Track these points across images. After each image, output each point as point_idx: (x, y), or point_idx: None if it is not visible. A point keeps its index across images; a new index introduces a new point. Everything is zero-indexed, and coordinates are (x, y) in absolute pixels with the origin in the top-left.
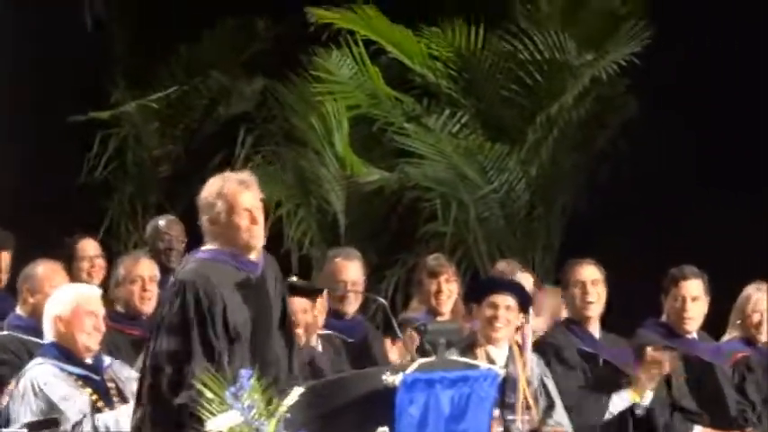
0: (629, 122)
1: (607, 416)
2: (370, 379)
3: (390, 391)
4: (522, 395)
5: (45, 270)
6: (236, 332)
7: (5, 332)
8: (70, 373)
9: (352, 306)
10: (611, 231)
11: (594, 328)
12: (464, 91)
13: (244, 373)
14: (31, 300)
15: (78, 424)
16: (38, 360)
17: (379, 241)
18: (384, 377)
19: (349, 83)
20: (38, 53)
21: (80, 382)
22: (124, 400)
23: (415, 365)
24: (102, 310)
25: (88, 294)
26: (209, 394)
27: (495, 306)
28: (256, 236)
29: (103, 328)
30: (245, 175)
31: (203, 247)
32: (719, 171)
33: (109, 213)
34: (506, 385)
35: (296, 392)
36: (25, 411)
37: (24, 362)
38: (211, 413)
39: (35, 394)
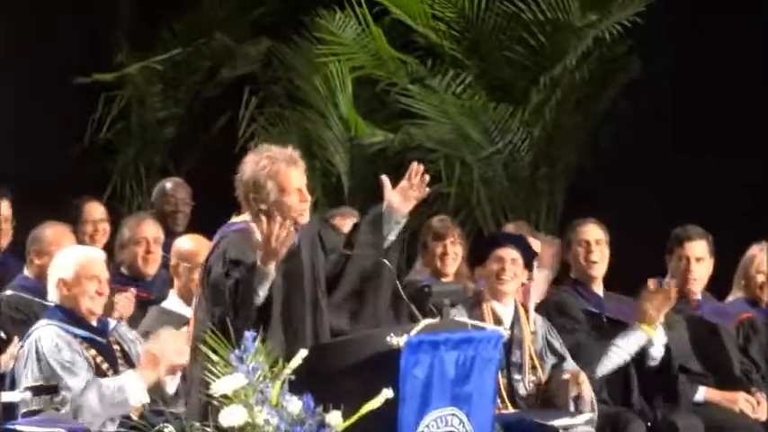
0: (632, 83)
1: (620, 359)
2: (374, 341)
3: (395, 353)
4: (528, 354)
5: (53, 232)
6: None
7: (11, 292)
8: (75, 336)
9: None
10: (614, 191)
11: (598, 288)
12: (468, 52)
13: (248, 335)
14: (37, 261)
15: (81, 393)
16: (43, 322)
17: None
18: (389, 339)
19: (353, 44)
20: (42, 15)
21: (85, 345)
22: (129, 362)
23: (419, 327)
24: (105, 274)
25: (92, 258)
26: (214, 357)
27: (501, 260)
28: (305, 214)
29: (107, 292)
30: (291, 151)
31: (242, 217)
32: (724, 132)
33: (113, 175)
34: (512, 345)
35: (300, 354)
36: (26, 375)
37: (31, 321)
38: (216, 376)
39: (38, 359)
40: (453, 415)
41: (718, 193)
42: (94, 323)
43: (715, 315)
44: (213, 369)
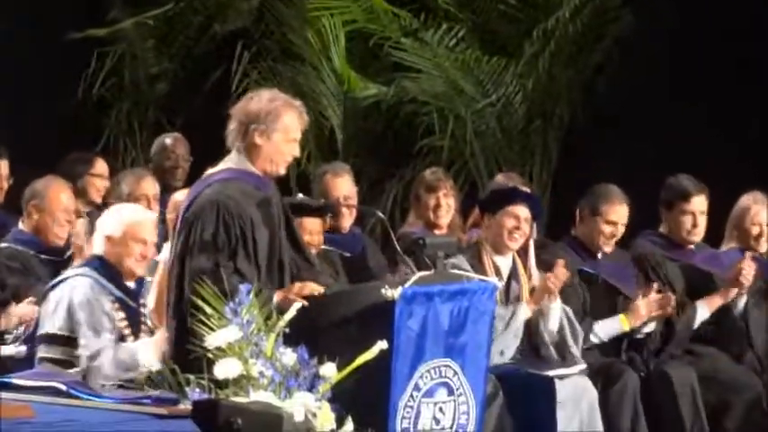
0: (625, 35)
1: (591, 342)
2: (368, 293)
3: (389, 305)
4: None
5: (53, 188)
6: (262, 256)
7: (6, 245)
8: (109, 293)
9: (346, 220)
10: (607, 144)
11: (597, 249)
12: (461, 5)
13: (242, 288)
14: (35, 216)
15: (94, 356)
16: (81, 269)
17: (376, 156)
18: (383, 290)
19: None
20: None
21: (116, 305)
22: (151, 330)
23: (413, 279)
24: (153, 238)
25: (142, 220)
26: (208, 309)
27: (516, 217)
28: (289, 162)
29: (151, 256)
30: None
31: (223, 166)
32: (717, 83)
33: (106, 131)
34: (509, 297)
35: (294, 306)
36: (53, 321)
37: (28, 272)
38: (210, 329)
39: (68, 308)
40: (447, 366)
41: (709, 143)
42: (131, 284)
43: (709, 263)
44: (207, 321)
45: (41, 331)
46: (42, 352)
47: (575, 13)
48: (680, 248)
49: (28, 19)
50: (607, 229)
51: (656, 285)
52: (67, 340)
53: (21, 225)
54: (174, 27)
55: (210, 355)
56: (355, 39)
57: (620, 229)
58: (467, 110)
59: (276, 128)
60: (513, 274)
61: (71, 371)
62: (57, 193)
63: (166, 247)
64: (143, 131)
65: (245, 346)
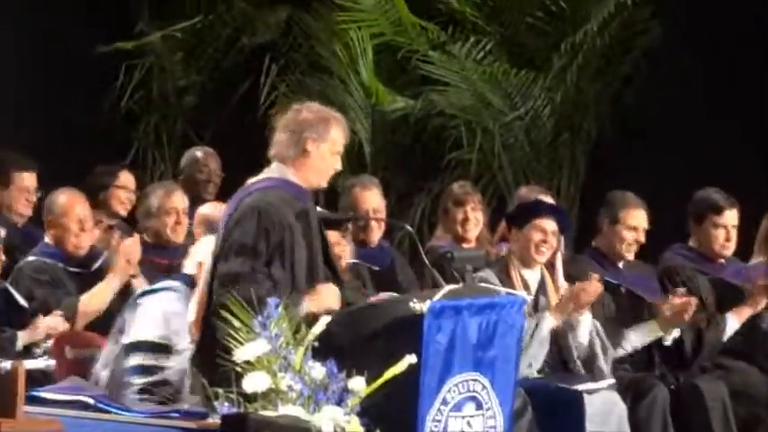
0: (654, 48)
1: (623, 352)
2: (397, 306)
3: (418, 319)
4: None
5: (63, 200)
6: (298, 266)
7: (34, 258)
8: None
9: (375, 234)
10: (635, 157)
11: (620, 260)
12: (489, 18)
13: (271, 301)
14: (53, 230)
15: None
16: (169, 283)
17: (404, 169)
18: (411, 304)
19: (373, 11)
20: None
21: None
22: None
23: (442, 292)
24: None
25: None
26: (236, 323)
27: (543, 231)
28: (331, 176)
29: None
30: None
31: (264, 175)
32: (745, 95)
33: (134, 143)
34: (538, 310)
35: (323, 320)
36: (147, 328)
37: (56, 284)
38: (239, 342)
39: (163, 319)
40: (476, 380)
41: (737, 157)
42: None
43: (738, 277)
44: (236, 335)
45: (132, 339)
46: (136, 361)
47: (603, 25)
48: (710, 262)
49: (56, 33)
50: (628, 235)
51: (680, 290)
52: (161, 347)
53: (46, 238)
54: (202, 40)
55: (239, 369)
56: (383, 52)
57: (642, 235)
58: (495, 123)
59: (326, 138)
60: (541, 288)
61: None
62: (67, 205)
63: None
64: (171, 144)
65: (274, 359)
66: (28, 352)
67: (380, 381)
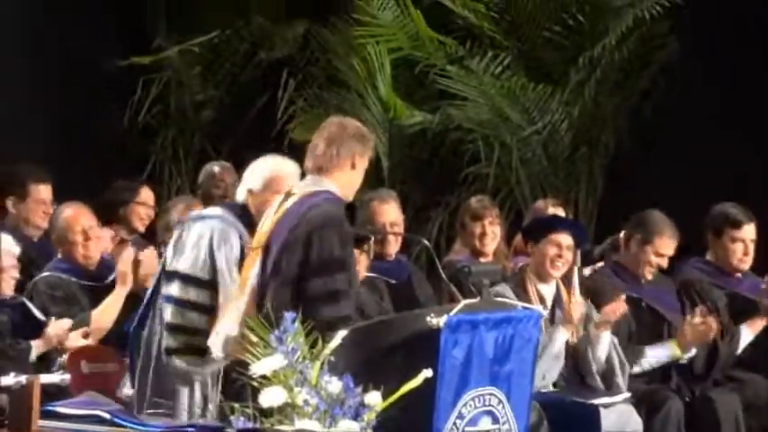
0: (671, 62)
1: (639, 369)
2: (413, 321)
3: (434, 333)
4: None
5: (65, 214)
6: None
7: (48, 273)
8: (242, 239)
9: (392, 247)
10: (653, 171)
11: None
12: (506, 32)
13: (288, 315)
14: (60, 246)
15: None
16: (216, 211)
17: (422, 183)
18: (428, 319)
19: (391, 25)
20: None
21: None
22: None
23: (459, 307)
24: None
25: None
26: (253, 338)
27: (559, 245)
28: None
29: None
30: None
31: (315, 187)
32: (763, 109)
33: (152, 158)
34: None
35: (340, 335)
36: (187, 260)
37: (71, 300)
38: (256, 357)
39: (210, 250)
40: (492, 394)
41: (757, 172)
42: None
43: (755, 291)
44: (252, 350)
45: (177, 265)
46: (175, 291)
47: (621, 40)
48: (727, 276)
49: (74, 47)
50: (655, 259)
51: (698, 310)
52: (203, 283)
53: (59, 254)
54: (219, 54)
55: (255, 383)
56: (401, 66)
57: (666, 262)
58: (512, 137)
59: (367, 154)
60: (558, 302)
61: None
62: (70, 219)
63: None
64: (188, 158)
65: (291, 374)
66: (44, 366)
67: (397, 395)
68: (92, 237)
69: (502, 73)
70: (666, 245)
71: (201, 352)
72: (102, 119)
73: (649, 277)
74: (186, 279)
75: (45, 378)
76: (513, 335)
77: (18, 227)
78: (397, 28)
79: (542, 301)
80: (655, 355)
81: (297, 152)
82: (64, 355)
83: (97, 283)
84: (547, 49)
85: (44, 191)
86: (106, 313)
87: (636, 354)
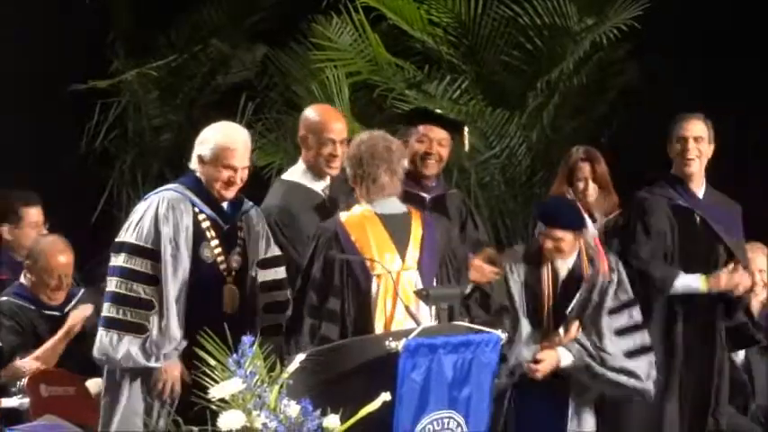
0: (630, 87)
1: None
2: (372, 345)
3: (393, 357)
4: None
5: (49, 250)
6: None
7: (6, 298)
8: (201, 211)
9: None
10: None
11: (697, 187)
12: (464, 57)
13: (246, 339)
14: (29, 275)
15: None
16: (172, 185)
17: None
18: (387, 342)
19: (349, 50)
20: (38, 22)
21: (208, 223)
22: (244, 252)
23: (417, 330)
24: (245, 163)
25: (231, 145)
26: (211, 361)
27: (554, 238)
28: None
29: (239, 182)
30: None
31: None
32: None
33: (110, 182)
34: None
35: (297, 359)
36: (132, 231)
37: (25, 330)
38: (214, 380)
39: (155, 218)
40: (451, 417)
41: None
42: (225, 206)
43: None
44: (210, 373)
45: (123, 236)
46: (122, 262)
47: (579, 64)
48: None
49: (30, 71)
50: (678, 147)
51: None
52: (147, 251)
53: (23, 278)
54: (177, 78)
55: (214, 407)
56: (360, 90)
57: (693, 146)
58: (471, 161)
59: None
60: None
61: None
62: (51, 256)
63: None
64: (146, 183)
65: (249, 397)
66: (2, 390)
67: (355, 418)
68: (64, 286)
69: (460, 97)
70: (680, 126)
71: (142, 329)
72: (59, 144)
73: (690, 170)
74: (132, 249)
75: (4, 402)
76: (472, 359)
77: (8, 253)
78: (355, 52)
79: (556, 273)
80: (682, 284)
81: (258, 176)
82: (23, 379)
83: (57, 311)
84: (505, 73)
85: (35, 214)
86: (48, 355)
87: (669, 275)
